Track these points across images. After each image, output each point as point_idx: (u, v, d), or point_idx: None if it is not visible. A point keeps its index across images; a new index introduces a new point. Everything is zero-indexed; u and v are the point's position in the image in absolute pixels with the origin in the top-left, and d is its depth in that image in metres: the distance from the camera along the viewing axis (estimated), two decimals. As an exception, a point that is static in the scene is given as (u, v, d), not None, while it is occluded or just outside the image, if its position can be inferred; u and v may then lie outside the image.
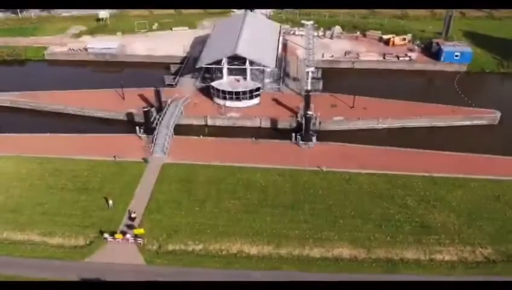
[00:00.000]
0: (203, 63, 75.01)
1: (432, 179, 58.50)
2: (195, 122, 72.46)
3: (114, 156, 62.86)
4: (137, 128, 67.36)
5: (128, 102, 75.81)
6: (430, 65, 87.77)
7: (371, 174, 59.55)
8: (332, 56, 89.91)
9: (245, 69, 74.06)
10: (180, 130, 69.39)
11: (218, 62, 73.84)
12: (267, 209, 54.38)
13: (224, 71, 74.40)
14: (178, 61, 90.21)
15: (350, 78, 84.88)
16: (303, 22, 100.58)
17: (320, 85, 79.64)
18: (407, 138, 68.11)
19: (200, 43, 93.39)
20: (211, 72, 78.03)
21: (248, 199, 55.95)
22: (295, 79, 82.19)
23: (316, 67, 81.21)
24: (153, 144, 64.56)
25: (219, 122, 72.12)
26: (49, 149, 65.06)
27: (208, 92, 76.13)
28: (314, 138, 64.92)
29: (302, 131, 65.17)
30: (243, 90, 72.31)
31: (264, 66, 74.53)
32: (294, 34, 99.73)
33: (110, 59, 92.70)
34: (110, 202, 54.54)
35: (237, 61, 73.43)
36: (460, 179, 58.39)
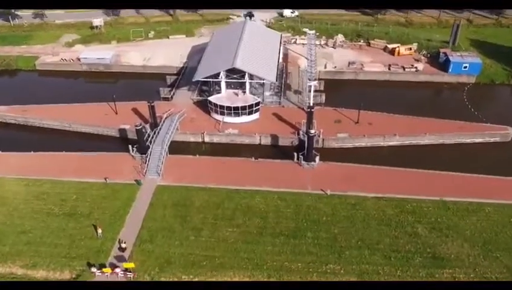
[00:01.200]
0: (200, 76, 71.24)
1: (444, 204, 54.76)
2: (191, 139, 68.73)
3: (105, 178, 59.16)
4: (130, 146, 63.60)
5: (121, 117, 72.10)
6: (437, 76, 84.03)
7: (378, 198, 55.83)
8: (335, 67, 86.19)
9: (244, 82, 70.32)
10: (176, 147, 65.71)
11: (216, 75, 70.10)
12: (267, 239, 50.66)
13: (222, 85, 70.70)
14: (174, 72, 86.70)
15: (354, 90, 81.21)
16: (304, 30, 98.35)
17: (323, 98, 76.05)
18: (414, 156, 64.37)
19: (197, 53, 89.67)
20: (209, 85, 74.36)
21: (247, 227, 52.24)
22: (297, 92, 78.47)
23: (319, 79, 77.69)
24: (146, 165, 60.86)
25: (217, 139, 68.40)
26: (36, 169, 61.35)
27: (205, 105, 72.37)
28: (317, 158, 61.17)
29: (305, 150, 61.43)
30: (242, 105, 68.54)
31: (264, 80, 70.78)
32: (295, 42, 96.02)
33: (104, 70, 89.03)
34: (99, 230, 50.81)
35: (236, 74, 69.71)
36: (474, 203, 54.62)
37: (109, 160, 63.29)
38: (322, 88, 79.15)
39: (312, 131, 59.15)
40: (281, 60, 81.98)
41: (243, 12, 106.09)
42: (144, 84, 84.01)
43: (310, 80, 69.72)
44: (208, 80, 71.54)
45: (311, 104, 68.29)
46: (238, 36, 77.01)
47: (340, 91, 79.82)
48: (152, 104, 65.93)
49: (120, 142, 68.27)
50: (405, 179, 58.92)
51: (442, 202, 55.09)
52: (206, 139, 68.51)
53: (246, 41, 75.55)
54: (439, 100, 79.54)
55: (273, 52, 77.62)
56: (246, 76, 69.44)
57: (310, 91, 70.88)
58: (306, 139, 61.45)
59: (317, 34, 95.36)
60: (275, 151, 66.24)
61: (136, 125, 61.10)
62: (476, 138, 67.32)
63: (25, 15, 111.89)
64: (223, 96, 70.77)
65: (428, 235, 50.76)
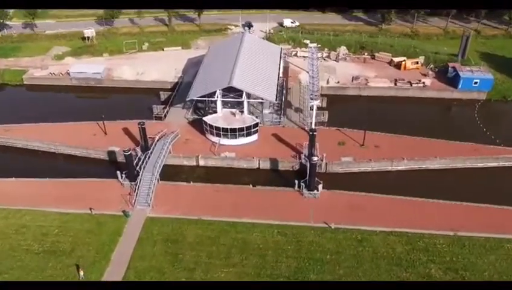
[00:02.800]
0: (194, 95, 66.79)
1: (459, 240, 50.19)
2: (185, 162, 64.17)
3: (90, 209, 54.62)
4: (118, 173, 59.00)
5: (110, 137, 67.71)
6: (446, 93, 79.52)
7: (387, 233, 51.26)
8: (338, 82, 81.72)
9: (242, 101, 65.84)
10: (168, 171, 61.22)
11: (212, 94, 65.62)
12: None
13: (219, 104, 66.20)
14: (169, 87, 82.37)
15: (358, 107, 76.80)
16: (305, 41, 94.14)
17: (326, 117, 71.62)
18: (424, 182, 59.88)
19: (193, 66, 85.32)
20: (204, 103, 69.95)
21: (244, 266, 47.66)
22: (298, 109, 73.98)
23: (321, 95, 73.08)
24: (135, 194, 56.30)
25: (212, 162, 63.85)
26: (18, 198, 56.83)
27: (200, 124, 67.69)
28: (320, 186, 56.59)
29: (307, 177, 56.90)
30: (239, 127, 64.02)
31: (263, 100, 66.37)
32: (296, 55, 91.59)
33: (95, 84, 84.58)
34: (81, 272, 46.25)
35: (233, 93, 65.26)
36: (492, 239, 50.05)
37: (96, 187, 58.72)
38: (324, 105, 74.81)
39: (315, 158, 54.57)
40: (281, 75, 77.57)
41: (241, 22, 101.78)
42: (136, 101, 79.75)
43: (312, 99, 65.19)
44: (203, 98, 67.09)
45: (314, 127, 63.74)
46: (235, 51, 72.56)
47: (343, 108, 75.38)
48: (143, 126, 61.41)
49: (109, 166, 63.77)
50: (415, 210, 54.36)
51: (457, 237, 50.54)
52: (201, 163, 63.99)
53: (244, 57, 71.11)
54: (449, 119, 75.03)
55: (272, 68, 73.11)
56: (244, 95, 64.96)
57: (312, 110, 66.19)
58: (308, 165, 56.90)
59: (319, 45, 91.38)
60: (275, 176, 61.76)
61: (125, 151, 56.48)
62: (490, 162, 62.85)
63: (15, 25, 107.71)
64: (219, 117, 66.28)
65: (443, 277, 46.25)
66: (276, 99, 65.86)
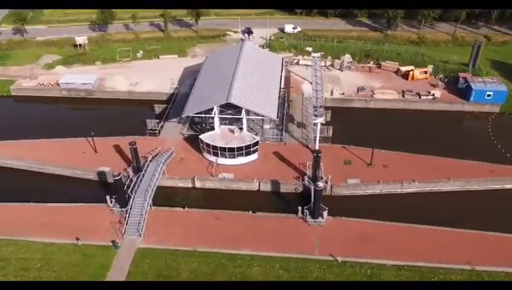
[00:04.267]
0: (190, 111, 62.47)
1: (477, 276, 46.02)
2: (180, 184, 59.96)
3: (77, 238, 50.40)
4: (108, 198, 54.72)
5: (101, 156, 63.56)
6: (457, 105, 75.25)
7: (399, 267, 47.09)
8: (343, 93, 77.45)
9: (241, 118, 61.58)
10: (162, 194, 57.10)
11: (209, 110, 61.32)
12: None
13: (216, 121, 61.92)
14: (164, 99, 78.12)
15: (364, 121, 72.44)
16: (308, 49, 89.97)
17: (330, 132, 67.35)
18: (436, 206, 55.76)
19: (190, 76, 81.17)
20: (201, 118, 65.66)
21: (242, 308, 43.55)
22: (300, 124, 69.71)
23: (325, 107, 68.59)
24: (125, 221, 52.08)
25: (209, 184, 59.59)
26: (-1, 226, 52.71)
27: (197, 141, 63.24)
28: (325, 213, 52.37)
29: (311, 204, 52.66)
30: (238, 146, 59.74)
31: (263, 117, 62.12)
32: (297, 63, 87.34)
33: (86, 96, 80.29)
34: (64, 315, 42.17)
35: (231, 109, 60.97)
36: (513, 275, 46.00)
37: (84, 213, 54.45)
38: (328, 118, 70.50)
39: (320, 184, 50.24)
40: (282, 86, 73.16)
41: (240, 28, 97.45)
42: (129, 114, 75.56)
43: (316, 116, 60.83)
44: (200, 115, 62.83)
45: (318, 147, 59.52)
46: (234, 62, 68.24)
47: (348, 122, 70.98)
48: (134, 146, 57.15)
49: (99, 187, 59.69)
50: (428, 240, 50.17)
51: (475, 272, 46.39)
52: (197, 185, 59.76)
53: (243, 70, 66.78)
54: (461, 134, 70.53)
55: (273, 81, 68.72)
56: (243, 112, 60.66)
57: (316, 130, 61.67)
58: (312, 191, 52.75)
59: (322, 53, 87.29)
60: (276, 199, 57.65)
61: (114, 175, 52.14)
62: (507, 183, 58.68)
63: (4, 30, 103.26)
64: (217, 134, 61.99)
65: (462, 321, 42.10)
66: (277, 117, 61.42)
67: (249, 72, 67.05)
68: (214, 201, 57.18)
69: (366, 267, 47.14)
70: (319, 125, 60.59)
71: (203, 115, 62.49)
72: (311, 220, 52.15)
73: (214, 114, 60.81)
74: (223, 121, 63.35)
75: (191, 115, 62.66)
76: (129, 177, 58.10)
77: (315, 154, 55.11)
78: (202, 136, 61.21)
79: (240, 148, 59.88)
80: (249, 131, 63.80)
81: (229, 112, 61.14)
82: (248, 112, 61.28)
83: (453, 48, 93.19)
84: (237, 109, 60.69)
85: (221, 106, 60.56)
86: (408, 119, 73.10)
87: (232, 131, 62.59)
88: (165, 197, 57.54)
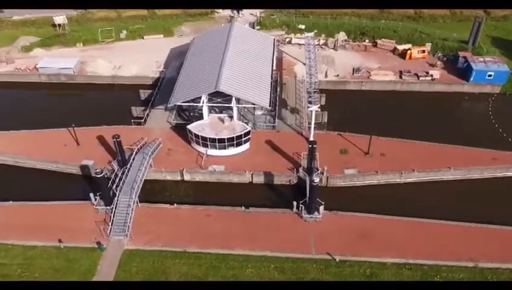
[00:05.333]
0: (177, 100, 58.68)
1: (481, 273, 44.16)
2: (168, 177, 56.90)
3: (59, 240, 47.49)
4: (91, 195, 51.57)
5: (83, 148, 59.99)
6: (456, 86, 72.14)
7: (400, 265, 45.04)
8: (337, 75, 73.85)
9: (230, 106, 58.05)
10: (149, 189, 54.30)
11: (197, 98, 57.64)
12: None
13: (205, 110, 58.37)
14: (150, 83, 74.04)
15: (360, 104, 69.10)
16: (300, 27, 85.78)
17: (325, 117, 64.31)
18: (436, 196, 53.48)
19: (176, 58, 76.93)
20: (189, 107, 62.08)
21: (236, 314, 41.37)
22: (294, 110, 66.39)
23: (319, 91, 64.94)
24: (111, 221, 49.16)
25: (199, 177, 56.59)
26: (-24, 228, 49.52)
27: (185, 130, 59.76)
28: (321, 207, 49.81)
29: (306, 198, 50.02)
30: (229, 136, 56.47)
31: (255, 106, 58.67)
32: (290, 42, 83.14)
33: (67, 81, 75.82)
34: (45, 329, 39.66)
35: (221, 97, 57.38)
36: (519, 272, 44.14)
37: (66, 212, 51.31)
38: (323, 102, 67.12)
39: (316, 179, 47.34)
40: (274, 68, 69.36)
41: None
42: (114, 100, 71.64)
43: (310, 103, 57.42)
44: (187, 104, 59.20)
45: (313, 137, 56.52)
46: (222, 46, 64.12)
47: (344, 106, 67.72)
48: (118, 139, 53.57)
49: (82, 183, 56.33)
50: (429, 235, 48.00)
51: (478, 269, 44.51)
52: (186, 178, 56.74)
53: (232, 54, 62.75)
54: (460, 117, 67.58)
55: (265, 65, 64.76)
56: (233, 100, 57.10)
57: (310, 119, 58.32)
58: (307, 186, 50.03)
59: (315, 31, 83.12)
60: (270, 192, 54.95)
61: (97, 172, 48.78)
62: (510, 171, 56.41)
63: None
64: (206, 124, 58.54)
65: (465, 324, 40.34)
66: (269, 105, 57.89)
67: (238, 56, 63.02)
68: (205, 195, 54.47)
69: (365, 266, 44.98)
70: (313, 114, 57.24)
71: (191, 104, 58.83)
72: (307, 215, 49.59)
73: (203, 103, 57.14)
74: (212, 109, 59.85)
75: (178, 104, 58.88)
76: (114, 171, 54.89)
77: (310, 146, 52.07)
78: (190, 127, 57.73)
79: (230, 139, 56.64)
80: (240, 118, 60.51)
81: (219, 100, 57.57)
82: (238, 100, 57.77)
83: (451, 23, 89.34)
84: (227, 97, 57.10)
85: (209, 94, 56.89)
86: (406, 102, 70.01)
87: (222, 120, 59.15)
88: (152, 191, 54.73)
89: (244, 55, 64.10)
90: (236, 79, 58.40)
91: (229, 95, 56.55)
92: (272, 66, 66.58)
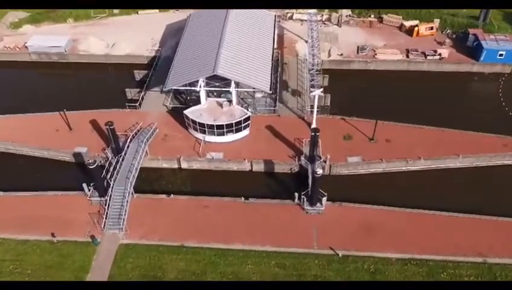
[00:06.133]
0: (172, 84, 55.74)
1: (489, 269, 42.60)
2: (164, 165, 54.72)
3: (52, 234, 45.72)
4: (84, 186, 49.46)
5: (76, 133, 57.62)
6: (465, 66, 68.96)
7: (405, 261, 43.42)
8: (341, 54, 70.51)
9: (229, 90, 55.20)
10: (145, 177, 52.22)
11: (194, 82, 54.72)
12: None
13: (202, 94, 55.56)
14: (145, 62, 70.75)
15: (365, 85, 66.23)
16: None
17: (328, 100, 61.60)
18: (443, 186, 51.50)
19: (172, 36, 73.35)
20: (186, 91, 59.22)
21: (235, 314, 40.00)
22: (295, 92, 63.52)
23: (322, 71, 61.95)
24: (105, 213, 47.28)
25: (197, 165, 54.41)
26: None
27: (182, 115, 57.17)
28: (324, 199, 47.81)
29: (308, 189, 47.97)
30: (228, 122, 53.91)
31: (255, 90, 55.81)
32: (291, 18, 79.23)
33: (58, 60, 72.49)
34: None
35: (219, 81, 54.42)
36: (529, 269, 42.58)
37: (60, 203, 49.33)
38: (326, 83, 64.31)
39: (319, 171, 45.05)
40: (275, 46, 65.89)
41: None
42: (107, 81, 68.82)
43: (313, 86, 54.53)
44: (184, 88, 56.33)
45: (315, 123, 53.97)
46: (220, 25, 60.54)
47: (348, 87, 64.96)
48: (112, 126, 51.01)
49: (75, 171, 54.09)
50: (435, 228, 46.17)
51: (486, 265, 42.94)
52: (184, 166, 54.58)
53: (231, 34, 59.28)
54: (470, 100, 64.73)
55: (265, 45, 61.39)
56: (232, 84, 54.18)
57: (313, 102, 55.47)
58: (310, 176, 47.93)
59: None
60: (270, 181, 52.90)
61: (89, 163, 46.47)
62: (519, 158, 54.28)
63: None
64: (203, 109, 55.86)
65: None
66: (270, 89, 54.99)
67: (237, 36, 59.59)
68: (202, 184, 52.54)
69: (369, 262, 43.36)
70: (316, 98, 54.38)
71: (187, 88, 55.97)
72: (309, 207, 47.67)
73: (200, 87, 54.24)
74: (210, 92, 57.03)
75: (174, 87, 56.03)
76: (108, 159, 52.67)
77: (313, 134, 49.63)
78: (187, 112, 55.10)
79: (229, 125, 54.12)
80: (239, 102, 57.79)
81: (217, 84, 54.63)
82: (238, 84, 54.85)
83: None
84: (225, 81, 54.15)
85: (207, 78, 53.93)
86: (413, 82, 67.04)
87: (220, 104, 56.44)
88: (148, 180, 52.74)
89: (244, 35, 60.64)
90: (235, 61, 55.30)
91: (228, 79, 53.58)
92: (273, 45, 63.17)
